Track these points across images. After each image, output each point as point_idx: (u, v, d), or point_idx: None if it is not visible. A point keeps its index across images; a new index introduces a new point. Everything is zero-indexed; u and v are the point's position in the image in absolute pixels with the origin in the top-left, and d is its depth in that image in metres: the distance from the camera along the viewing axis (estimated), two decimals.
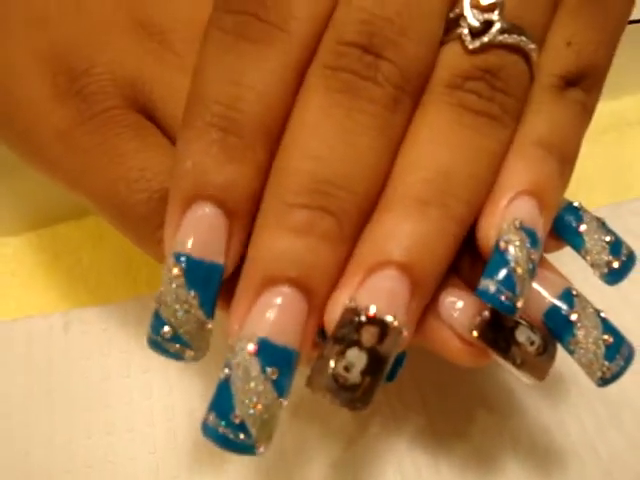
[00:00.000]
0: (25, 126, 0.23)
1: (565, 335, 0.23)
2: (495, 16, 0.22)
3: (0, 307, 0.34)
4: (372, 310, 0.20)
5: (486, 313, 0.22)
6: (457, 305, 0.22)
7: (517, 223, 0.21)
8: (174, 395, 0.31)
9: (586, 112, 0.24)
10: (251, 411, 0.19)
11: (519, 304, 0.20)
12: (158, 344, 0.21)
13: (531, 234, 0.21)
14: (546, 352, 0.23)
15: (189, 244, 0.20)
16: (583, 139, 0.24)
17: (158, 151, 0.23)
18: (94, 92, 0.23)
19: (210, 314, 0.21)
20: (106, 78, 0.23)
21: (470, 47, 0.22)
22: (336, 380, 0.19)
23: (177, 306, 0.20)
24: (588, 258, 0.24)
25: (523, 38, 0.22)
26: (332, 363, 0.19)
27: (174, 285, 0.20)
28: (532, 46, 0.22)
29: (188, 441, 0.30)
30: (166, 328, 0.20)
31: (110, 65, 0.23)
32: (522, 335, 0.22)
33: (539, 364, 0.22)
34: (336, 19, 0.21)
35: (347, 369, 0.19)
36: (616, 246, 0.24)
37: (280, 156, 0.21)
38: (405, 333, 0.20)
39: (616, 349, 0.22)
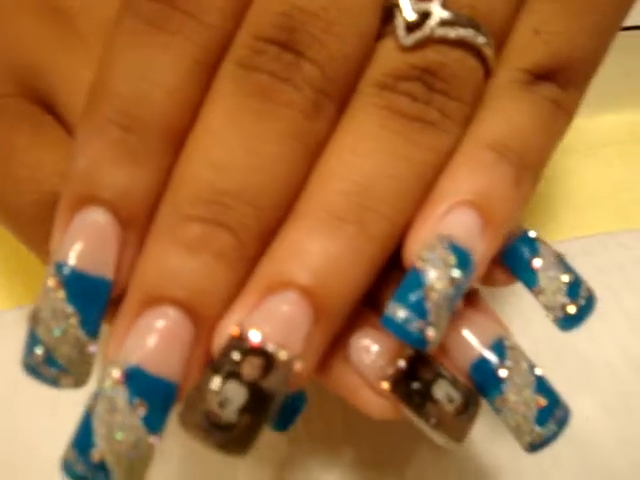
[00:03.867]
0: None
1: (492, 392, 0.20)
2: (434, 6, 0.19)
3: None
4: (255, 338, 0.17)
5: (402, 362, 0.19)
6: (371, 349, 0.19)
7: (445, 239, 0.18)
8: None
9: (561, 111, 0.21)
10: (113, 448, 0.17)
11: (430, 335, 0.17)
12: (31, 368, 0.18)
13: (462, 255, 0.18)
14: (466, 411, 0.20)
15: (72, 253, 0.18)
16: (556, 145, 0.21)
17: (53, 149, 0.21)
18: None
19: (93, 335, 0.19)
20: (1, 60, 0.21)
21: (404, 43, 0.19)
22: (208, 417, 0.17)
23: (53, 323, 0.18)
24: (541, 298, 0.21)
25: (470, 31, 0.19)
26: (206, 397, 0.17)
27: (52, 299, 0.18)
28: (482, 39, 0.19)
29: None
30: (39, 350, 0.18)
31: (7, 46, 0.21)
32: (440, 391, 0.19)
33: (457, 424, 0.19)
34: (254, 10, 0.19)
35: (222, 405, 0.17)
36: (574, 287, 0.21)
37: (179, 162, 0.19)
38: (298, 367, 0.17)
39: (549, 412, 0.19)
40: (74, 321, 0.18)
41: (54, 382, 0.19)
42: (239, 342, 0.17)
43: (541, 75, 0.20)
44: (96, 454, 0.17)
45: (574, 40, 0.21)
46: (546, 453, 0.20)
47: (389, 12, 0.19)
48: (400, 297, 0.18)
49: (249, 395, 0.17)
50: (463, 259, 0.18)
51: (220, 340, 0.18)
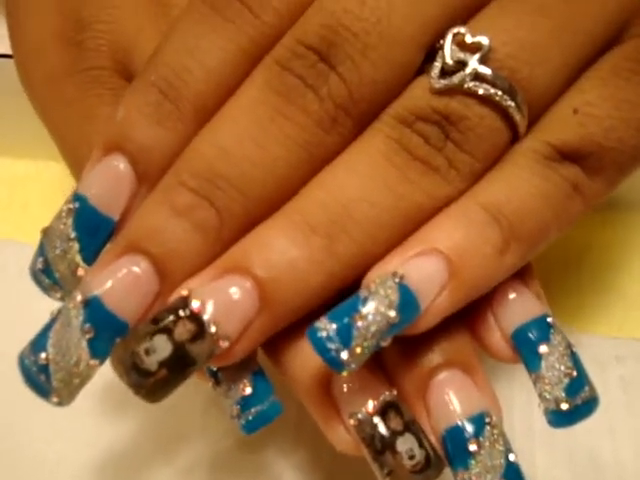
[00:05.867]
0: (27, 61, 0.25)
1: (457, 463, 0.20)
2: (472, 59, 0.19)
3: None
4: (194, 305, 0.19)
5: (372, 404, 0.20)
6: (349, 383, 0.20)
7: (398, 277, 0.19)
8: None
9: (578, 196, 0.21)
10: (58, 359, 0.19)
11: (344, 358, 0.18)
12: (33, 273, 0.21)
13: (407, 297, 0.19)
14: (424, 472, 0.20)
15: (90, 189, 0.21)
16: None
17: None
18: (90, 48, 0.24)
19: (88, 262, 0.21)
20: (104, 37, 0.24)
21: (433, 85, 0.19)
22: (132, 358, 0.19)
23: (57, 242, 0.21)
24: (538, 386, 0.20)
25: (498, 92, 0.19)
26: (137, 340, 0.19)
27: (62, 222, 0.21)
28: (511, 103, 0.19)
29: None
30: (40, 260, 0.21)
31: (112, 25, 0.24)
32: (404, 444, 0.20)
33: None
34: (305, 16, 0.20)
35: (147, 352, 0.19)
36: (575, 384, 0.20)
37: (198, 134, 0.21)
38: (224, 345, 0.19)
39: None
40: (74, 246, 0.21)
41: (46, 290, 0.21)
42: (183, 304, 0.19)
43: (568, 155, 0.20)
44: (43, 357, 0.19)
45: (612, 129, 0.20)
46: None
47: (434, 53, 0.20)
48: (332, 315, 0.18)
49: (173, 352, 0.18)
50: (407, 302, 0.19)
51: (171, 298, 0.19)
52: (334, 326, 0.18)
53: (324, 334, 0.18)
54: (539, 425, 0.28)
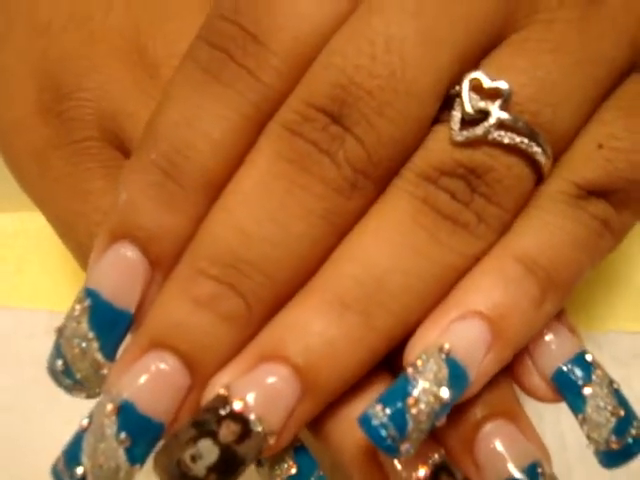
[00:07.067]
0: (6, 136, 0.24)
1: None
2: (494, 106, 0.18)
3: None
4: (237, 406, 0.18)
5: (423, 472, 0.19)
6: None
7: (444, 351, 0.18)
8: None
9: (608, 231, 0.20)
10: (96, 471, 0.18)
11: (403, 447, 0.17)
12: (52, 373, 0.20)
13: (457, 371, 0.18)
14: None
15: (101, 283, 0.20)
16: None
17: None
18: (74, 118, 0.22)
19: (110, 358, 0.20)
20: (89, 106, 0.22)
21: (456, 138, 0.18)
22: (179, 466, 0.18)
23: (75, 342, 0.20)
24: (585, 427, 0.20)
25: (524, 140, 0.18)
26: (181, 447, 0.18)
27: (76, 321, 0.20)
28: (537, 150, 0.19)
29: None
30: (59, 361, 0.20)
31: (96, 92, 0.22)
32: None
33: None
34: (311, 76, 0.19)
35: (194, 459, 0.18)
36: (624, 423, 0.20)
37: (209, 214, 0.19)
38: (272, 442, 0.18)
39: None
40: (94, 344, 0.20)
41: (69, 390, 0.20)
42: (223, 403, 0.18)
43: (595, 192, 0.19)
44: (80, 472, 0.18)
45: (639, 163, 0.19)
46: None
47: (449, 99, 0.19)
48: (383, 401, 0.18)
49: (220, 456, 0.18)
50: (457, 376, 0.18)
51: (208, 396, 0.18)
52: (387, 412, 0.17)
53: (377, 422, 0.17)
54: (571, 440, 0.28)
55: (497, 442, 0.20)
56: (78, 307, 0.20)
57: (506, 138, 0.18)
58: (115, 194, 0.20)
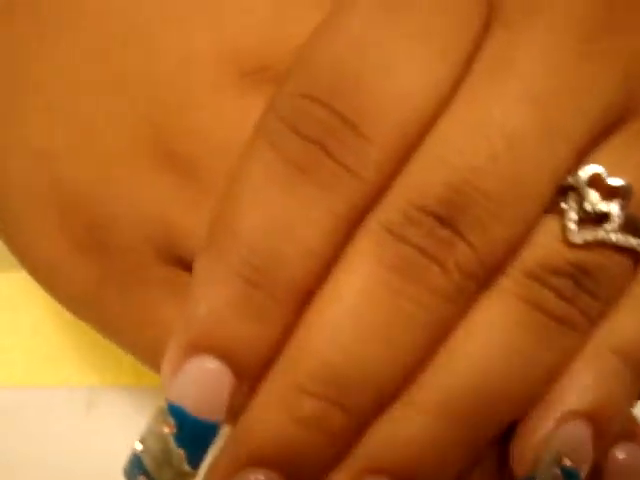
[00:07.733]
0: (47, 280, 0.21)
1: None
2: (614, 207, 0.17)
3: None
4: None
5: None
6: None
7: (558, 459, 0.18)
8: None
9: None
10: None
11: None
12: None
13: (571, 476, 0.18)
14: None
15: (186, 399, 0.18)
16: None
17: None
18: (121, 247, 0.20)
19: (196, 468, 0.19)
20: (134, 231, 0.19)
21: (571, 239, 0.17)
22: None
23: (160, 457, 0.18)
24: None
25: None
26: None
27: (161, 436, 0.18)
28: None
29: None
30: (141, 477, 0.19)
31: (133, 216, 0.19)
32: None
33: None
34: (417, 172, 0.17)
35: None
36: None
37: (304, 327, 0.18)
38: None
39: None
40: (181, 457, 0.18)
41: None
42: None
43: None
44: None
45: None
46: None
47: (560, 192, 0.18)
48: None
49: None
50: (570, 476, 0.18)
51: None
52: None
53: None
54: None
55: None
56: (161, 421, 0.18)
57: (624, 241, 0.17)
58: (187, 301, 0.18)
